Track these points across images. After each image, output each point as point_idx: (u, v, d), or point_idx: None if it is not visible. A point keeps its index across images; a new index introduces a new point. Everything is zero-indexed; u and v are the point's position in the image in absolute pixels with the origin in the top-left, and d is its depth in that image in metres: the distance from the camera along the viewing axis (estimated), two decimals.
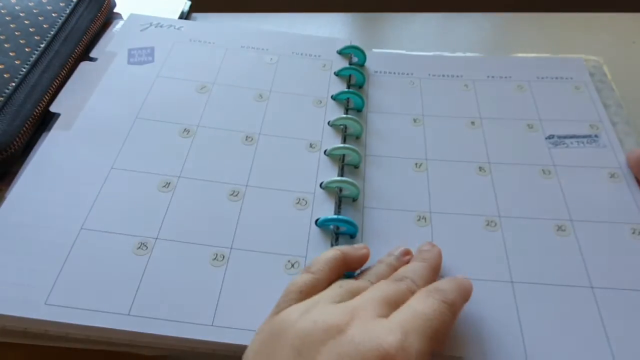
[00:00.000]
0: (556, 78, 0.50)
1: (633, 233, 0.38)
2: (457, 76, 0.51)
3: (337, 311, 0.28)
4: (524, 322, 0.33)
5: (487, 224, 0.39)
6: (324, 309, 0.28)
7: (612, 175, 0.42)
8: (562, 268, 0.36)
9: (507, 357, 0.32)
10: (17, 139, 0.41)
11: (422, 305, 0.28)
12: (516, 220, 0.39)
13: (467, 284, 0.32)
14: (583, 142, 0.45)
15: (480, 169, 0.42)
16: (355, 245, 0.35)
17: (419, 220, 0.39)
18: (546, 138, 0.45)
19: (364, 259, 0.35)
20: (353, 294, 0.30)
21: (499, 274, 0.36)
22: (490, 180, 0.42)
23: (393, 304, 0.29)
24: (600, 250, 0.37)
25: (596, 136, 0.45)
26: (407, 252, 0.36)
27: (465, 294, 0.32)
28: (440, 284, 0.31)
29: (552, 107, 0.48)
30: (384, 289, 0.30)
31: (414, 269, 0.33)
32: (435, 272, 0.34)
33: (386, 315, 0.28)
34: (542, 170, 0.42)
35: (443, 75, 0.51)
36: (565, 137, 0.45)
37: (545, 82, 0.50)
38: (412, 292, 0.30)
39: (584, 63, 0.52)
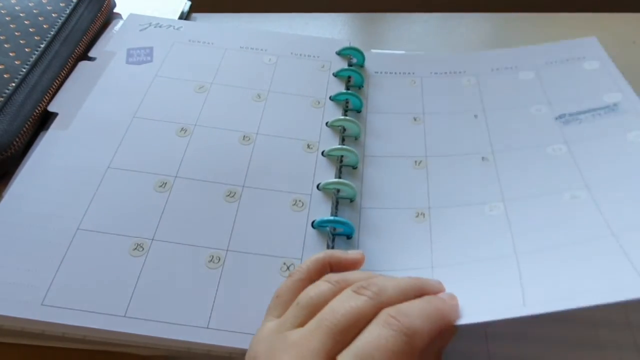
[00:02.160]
0: (567, 60, 0.48)
1: None
2: (460, 72, 0.50)
3: (277, 351, 0.26)
4: (525, 279, 0.31)
5: (491, 210, 0.38)
6: (274, 342, 0.27)
7: (635, 139, 0.39)
8: (577, 224, 0.34)
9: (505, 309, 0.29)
10: (17, 140, 0.42)
11: (371, 338, 0.25)
12: (524, 200, 0.37)
13: (446, 306, 0.28)
14: (600, 114, 0.42)
15: (483, 158, 0.41)
16: (350, 251, 0.33)
17: (417, 216, 0.39)
18: (556, 118, 0.43)
19: (353, 263, 0.33)
20: (311, 311, 0.27)
21: (502, 250, 0.34)
22: (494, 169, 0.41)
23: (344, 332, 0.25)
24: (621, 202, 0.35)
25: (615, 104, 0.42)
26: None
27: (439, 319, 0.27)
28: (407, 306, 0.27)
29: (562, 88, 0.46)
30: (338, 309, 0.26)
31: (391, 279, 0.29)
32: (416, 292, 0.29)
33: (333, 351, 0.25)
34: (553, 148, 0.41)
35: (445, 73, 0.50)
36: (579, 113, 0.43)
37: (555, 65, 0.48)
38: (374, 307, 0.26)
39: (597, 41, 0.49)
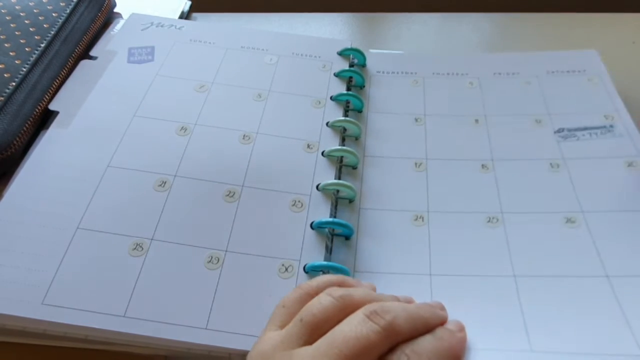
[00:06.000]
0: (568, 71, 0.49)
1: None
2: (463, 74, 0.50)
3: None
4: (527, 317, 0.32)
5: (489, 221, 0.38)
6: (277, 356, 0.26)
7: (629, 164, 0.40)
8: (573, 258, 0.35)
9: (511, 352, 0.31)
10: (17, 139, 0.42)
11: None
12: (521, 215, 0.38)
13: (456, 342, 0.29)
14: (596, 133, 0.43)
15: (483, 166, 0.42)
16: (364, 282, 0.33)
17: (415, 219, 0.39)
18: (555, 132, 0.43)
19: None
20: (313, 329, 0.27)
21: (501, 269, 0.35)
22: (494, 177, 0.41)
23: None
24: (616, 239, 0.36)
25: (611, 126, 0.43)
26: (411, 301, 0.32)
27: (450, 358, 0.28)
28: (422, 345, 0.27)
29: (562, 100, 0.46)
30: (350, 336, 0.26)
31: (400, 305, 0.29)
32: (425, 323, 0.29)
33: None
34: (550, 164, 0.41)
35: (448, 74, 0.50)
36: (577, 129, 0.43)
37: (555, 76, 0.49)
38: (387, 339, 0.26)
39: (598, 55, 0.50)
